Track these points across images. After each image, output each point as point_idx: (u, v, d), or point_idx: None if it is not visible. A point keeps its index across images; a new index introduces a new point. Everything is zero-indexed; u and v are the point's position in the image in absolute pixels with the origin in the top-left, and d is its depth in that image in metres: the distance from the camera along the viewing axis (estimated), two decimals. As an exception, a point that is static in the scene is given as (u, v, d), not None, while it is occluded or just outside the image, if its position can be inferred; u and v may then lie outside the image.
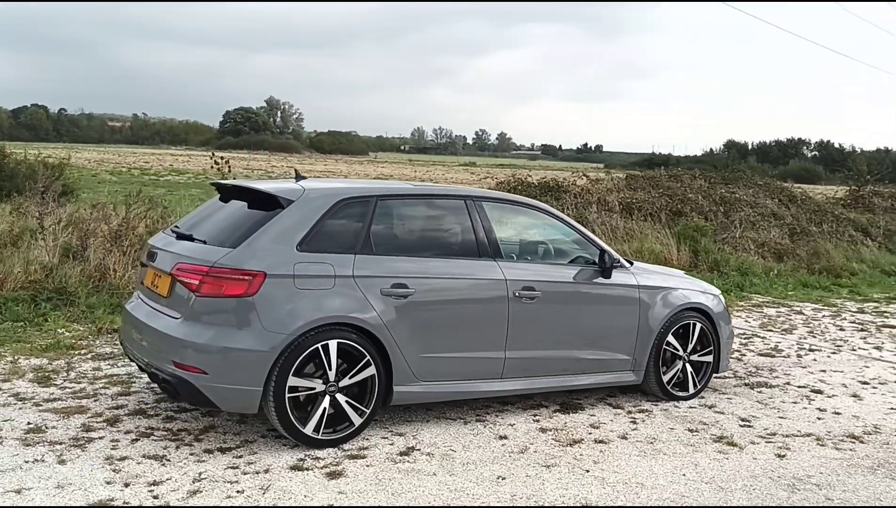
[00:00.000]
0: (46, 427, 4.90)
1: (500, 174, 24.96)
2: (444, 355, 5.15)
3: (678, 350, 6.14)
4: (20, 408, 5.24)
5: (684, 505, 4.22)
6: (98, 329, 7.38)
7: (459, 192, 5.89)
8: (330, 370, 4.73)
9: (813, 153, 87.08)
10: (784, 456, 5.06)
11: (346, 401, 4.81)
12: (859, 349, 8.61)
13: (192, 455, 4.61)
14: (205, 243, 4.87)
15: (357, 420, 4.84)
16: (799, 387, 6.82)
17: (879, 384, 7.08)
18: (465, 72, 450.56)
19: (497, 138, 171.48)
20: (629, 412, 5.82)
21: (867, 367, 7.73)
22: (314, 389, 4.72)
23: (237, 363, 4.56)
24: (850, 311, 11.09)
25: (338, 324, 4.75)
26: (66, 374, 6.08)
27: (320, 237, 4.87)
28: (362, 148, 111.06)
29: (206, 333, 4.58)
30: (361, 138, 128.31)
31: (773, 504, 4.32)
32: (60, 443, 4.67)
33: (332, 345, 4.72)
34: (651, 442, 5.19)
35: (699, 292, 6.35)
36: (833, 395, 6.61)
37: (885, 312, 11.16)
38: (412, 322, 4.98)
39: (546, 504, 4.16)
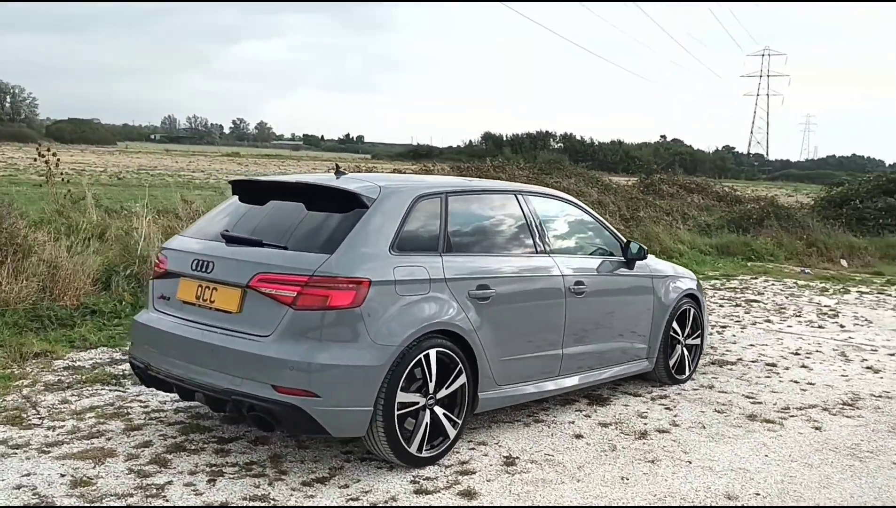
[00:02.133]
0: (90, 479, 4.08)
1: (272, 165, 24.30)
2: (518, 356, 4.96)
3: (678, 335, 6.40)
4: (29, 457, 4.32)
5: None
6: (20, 354, 6.24)
7: (508, 186, 5.70)
8: (430, 381, 4.39)
9: (559, 145, 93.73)
10: (820, 429, 5.45)
11: (444, 413, 4.49)
12: (758, 322, 9.48)
13: (293, 490, 4.07)
14: (285, 248, 4.28)
15: (452, 433, 4.54)
16: (752, 362, 7.38)
17: (808, 353, 7.84)
18: (220, 59, 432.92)
19: (256, 128, 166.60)
20: (653, 400, 5.97)
21: (780, 339, 8.53)
22: (417, 404, 4.35)
23: (350, 382, 4.08)
24: (708, 289, 12.16)
25: (436, 332, 4.41)
26: (35, 412, 5.08)
27: (406, 238, 4.48)
28: (108, 137, 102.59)
29: (312, 351, 4.04)
30: (106, 126, 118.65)
31: (857, 474, 4.64)
32: (128, 495, 3.92)
33: (432, 355, 4.38)
34: (704, 427, 5.37)
35: (688, 278, 6.65)
36: (787, 367, 7.23)
37: (737, 288, 12.37)
38: (493, 325, 4.74)
39: (690, 500, 4.16)
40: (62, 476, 4.11)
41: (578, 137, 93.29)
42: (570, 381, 5.44)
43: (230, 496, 3.96)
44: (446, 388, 4.48)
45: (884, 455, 4.97)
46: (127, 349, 6.63)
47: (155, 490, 3.98)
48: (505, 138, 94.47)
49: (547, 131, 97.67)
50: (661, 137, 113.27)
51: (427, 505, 3.96)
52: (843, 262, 16.14)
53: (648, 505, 4.07)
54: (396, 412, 4.22)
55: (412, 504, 3.96)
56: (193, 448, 4.58)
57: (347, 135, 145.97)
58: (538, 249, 5.26)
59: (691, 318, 6.53)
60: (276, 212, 4.70)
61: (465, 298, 4.59)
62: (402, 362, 4.22)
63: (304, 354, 4.02)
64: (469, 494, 4.09)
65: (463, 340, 4.55)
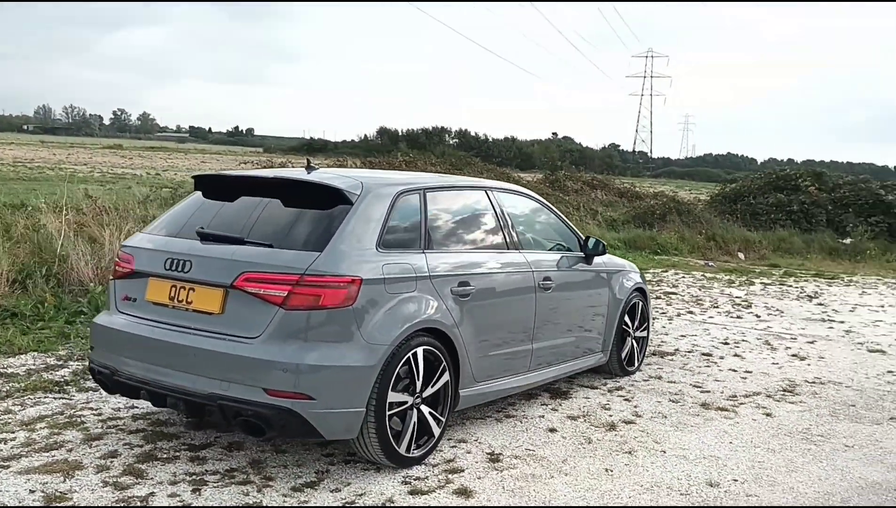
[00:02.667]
0: (64, 494, 3.82)
1: (158, 158, 23.54)
2: (495, 353, 4.97)
3: (629, 328, 6.56)
4: (-9, 474, 4.00)
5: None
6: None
7: (478, 183, 5.69)
8: (418, 380, 4.34)
9: (454, 140, 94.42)
10: (770, 415, 5.71)
11: (430, 412, 4.45)
12: (682, 314, 9.84)
13: (284, 496, 3.94)
14: (270, 246, 4.13)
15: (437, 432, 4.50)
16: (689, 352, 7.66)
17: (736, 343, 8.20)
18: (100, 46, 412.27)
19: (139, 119, 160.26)
20: (610, 392, 6.10)
21: (707, 330, 8.89)
22: (406, 403, 4.29)
23: (344, 383, 3.98)
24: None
25: (422, 330, 4.36)
26: (-23, 423, 4.72)
27: (391, 235, 4.40)
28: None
29: (304, 352, 3.91)
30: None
31: (817, 457, 4.89)
32: (112, 509, 3.69)
33: (420, 353, 4.33)
34: (665, 416, 5.53)
35: (635, 272, 6.83)
36: (722, 357, 7.54)
37: (651, 281, 12.80)
38: (473, 322, 4.73)
39: (676, 488, 4.28)
40: (31, 492, 3.83)
41: (473, 134, 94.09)
42: (539, 375, 5.49)
43: (220, 505, 3.79)
44: (432, 386, 4.44)
45: (835, 439, 5.25)
46: (62, 353, 6.28)
47: (139, 503, 3.77)
48: (401, 133, 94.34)
49: (442, 127, 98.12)
50: (553, 134, 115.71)
51: (426, 506, 3.91)
52: (741, 255, 16.97)
53: (637, 506, 4.15)
54: (388, 413, 4.15)
55: (411, 505, 3.91)
56: (165, 456, 4.37)
57: (237, 128, 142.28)
58: (508, 244, 5.28)
59: (640, 311, 6.71)
60: (250, 209, 4.52)
61: (447, 295, 4.55)
62: (392, 361, 4.15)
63: (296, 355, 3.89)
64: (465, 493, 4.07)
65: (447, 337, 4.52)
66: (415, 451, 4.35)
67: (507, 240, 5.28)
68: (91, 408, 5.12)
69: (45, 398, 5.29)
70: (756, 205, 19.20)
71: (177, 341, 4.12)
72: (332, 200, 4.32)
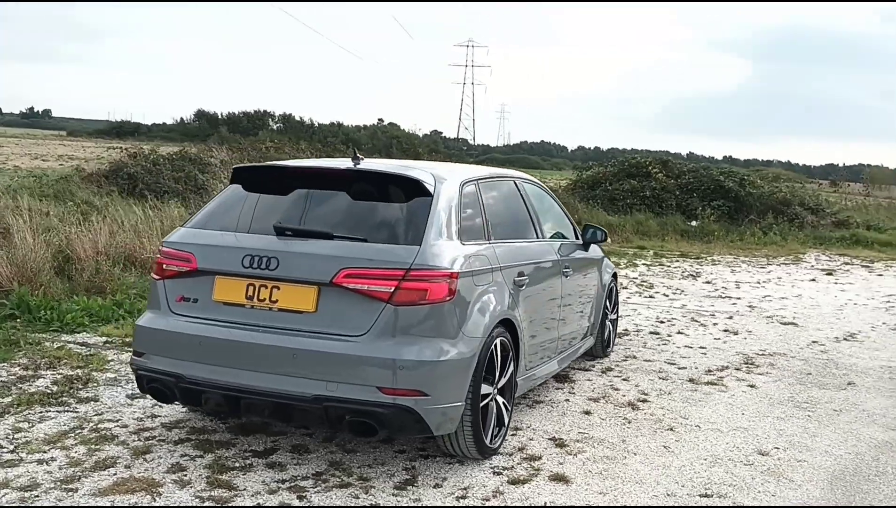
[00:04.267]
0: (168, 512, 3.54)
1: None
2: (538, 340, 5.07)
3: (608, 312, 6.87)
4: (59, 500, 3.63)
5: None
6: None
7: (507, 173, 5.69)
8: (496, 370, 4.37)
9: (278, 125, 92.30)
10: (754, 387, 6.20)
11: (503, 402, 4.49)
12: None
13: (394, 496, 3.86)
14: (364, 240, 3.99)
15: (506, 420, 4.55)
16: (637, 332, 8.11)
17: (670, 321, 8.76)
18: None
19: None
20: (603, 373, 6.38)
21: (635, 309, 9.43)
22: (489, 395, 4.31)
23: (452, 377, 3.94)
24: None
25: (500, 321, 4.39)
26: (25, 437, 4.24)
27: (464, 227, 4.38)
28: None
29: (417, 348, 3.83)
30: None
31: (822, 422, 5.40)
32: (233, 525, 3.47)
33: (498, 344, 4.36)
34: (668, 393, 5.87)
35: (607, 258, 7.14)
36: (669, 335, 8.03)
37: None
38: (526, 311, 4.81)
39: (734, 459, 4.59)
40: (126, 514, 3.51)
41: (298, 118, 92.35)
42: (563, 360, 5.67)
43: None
44: (504, 377, 4.48)
45: (820, 405, 5.80)
46: (24, 362, 5.71)
47: (255, 516, 3.56)
48: (221, 117, 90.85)
49: (265, 111, 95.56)
50: (379, 120, 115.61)
51: (537, 495, 3.97)
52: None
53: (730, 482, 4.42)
54: (480, 405, 4.16)
55: (525, 494, 3.95)
56: (238, 465, 4.12)
57: (31, 109, 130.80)
58: (537, 233, 5.39)
59: (615, 295, 7.04)
60: (313, 202, 4.35)
61: (511, 285, 4.60)
62: (482, 353, 4.16)
63: (409, 351, 3.81)
64: (561, 479, 4.15)
65: (513, 327, 4.57)
66: (495, 441, 4.38)
67: (537, 229, 5.39)
68: (110, 419, 4.71)
69: (47, 412, 4.79)
70: (613, 191, 20.35)
71: (266, 342, 3.91)
72: (411, 191, 4.23)
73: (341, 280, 3.86)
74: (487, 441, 4.27)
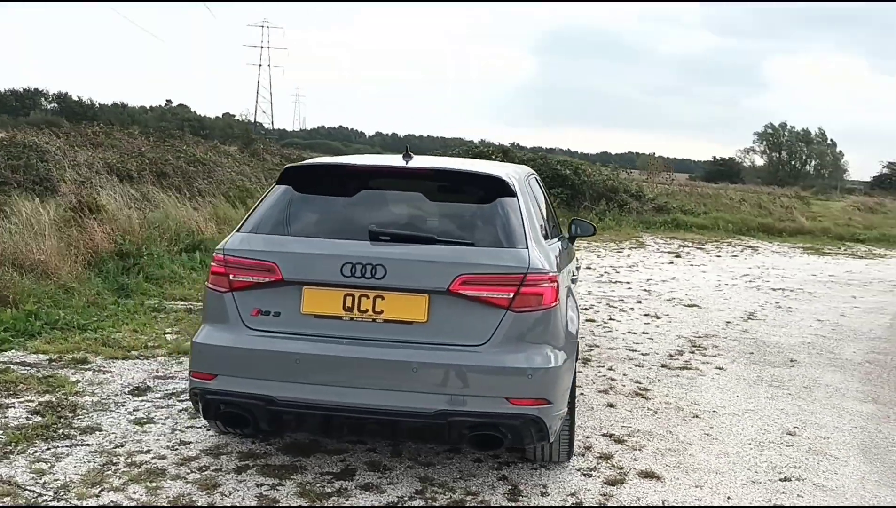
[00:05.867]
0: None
1: None
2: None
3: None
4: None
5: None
6: None
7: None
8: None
9: (52, 105, 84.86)
10: (722, 369, 6.58)
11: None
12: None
13: (511, 502, 3.73)
14: (472, 244, 3.78)
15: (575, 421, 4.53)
16: (587, 320, 8.32)
17: (594, 309, 9.10)
18: None
19: None
20: (585, 362, 6.51)
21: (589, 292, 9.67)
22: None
23: (564, 382, 3.85)
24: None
25: None
26: (21, 489, 3.61)
27: (538, 227, 4.28)
28: None
29: (538, 355, 3.69)
30: None
31: (806, 399, 5.86)
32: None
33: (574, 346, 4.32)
34: (659, 380, 6.10)
35: None
36: (605, 321, 8.35)
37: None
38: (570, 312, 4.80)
39: (773, 440, 4.87)
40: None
41: (76, 98, 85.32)
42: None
43: (484, 530, 3.48)
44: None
45: (787, 383, 6.27)
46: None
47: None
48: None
49: (36, 89, 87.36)
50: (167, 101, 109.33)
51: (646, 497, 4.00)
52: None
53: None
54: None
55: (634, 495, 3.96)
56: (331, 490, 3.81)
57: None
58: (559, 229, 5.38)
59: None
60: (386, 203, 4.09)
61: (568, 284, 4.57)
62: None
63: (533, 359, 3.67)
64: (650, 475, 4.20)
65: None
66: (574, 444, 4.35)
67: (548, 227, 5.37)
68: (138, 451, 4.17)
69: (56, 448, 4.15)
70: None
71: (377, 356, 3.61)
72: (495, 190, 4.06)
73: (458, 288, 3.64)
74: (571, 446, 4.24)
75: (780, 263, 15.07)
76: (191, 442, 4.31)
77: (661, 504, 3.87)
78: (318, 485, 3.84)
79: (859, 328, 8.75)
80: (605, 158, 77.52)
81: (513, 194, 4.06)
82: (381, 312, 3.66)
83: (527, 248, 3.82)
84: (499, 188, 4.06)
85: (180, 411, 4.79)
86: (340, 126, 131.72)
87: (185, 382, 5.33)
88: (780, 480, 4.24)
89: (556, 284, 3.82)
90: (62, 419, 4.53)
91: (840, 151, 77.92)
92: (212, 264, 3.92)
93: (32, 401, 4.80)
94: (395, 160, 4.30)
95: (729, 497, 3.99)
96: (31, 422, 4.46)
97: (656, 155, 52.81)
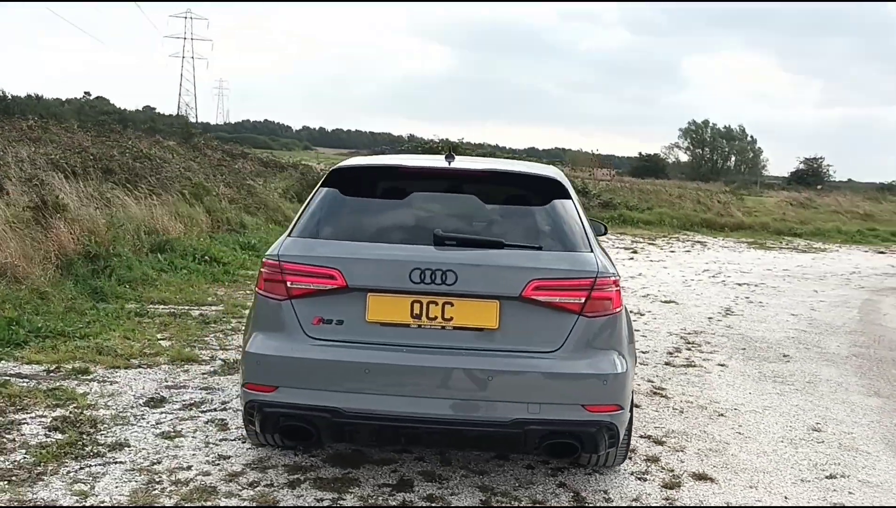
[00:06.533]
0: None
1: None
2: None
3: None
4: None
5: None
6: None
7: None
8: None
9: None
10: (724, 366, 6.66)
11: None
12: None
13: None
14: (539, 248, 3.69)
15: (616, 424, 4.50)
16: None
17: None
18: None
19: None
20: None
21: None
22: (622, 400, 4.23)
23: (630, 388, 3.80)
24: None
25: None
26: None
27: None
28: None
29: (610, 360, 3.63)
30: None
31: (811, 392, 5.98)
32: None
33: None
34: (669, 379, 6.14)
35: None
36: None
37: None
38: None
39: (801, 437, 4.94)
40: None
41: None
42: None
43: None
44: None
45: (790, 378, 6.39)
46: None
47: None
48: None
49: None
50: (86, 93, 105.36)
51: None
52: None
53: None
54: None
55: (698, 495, 3.95)
56: (396, 503, 3.67)
57: None
58: None
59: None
60: (449, 206, 3.97)
61: None
62: None
63: (605, 365, 3.61)
64: (702, 477, 4.20)
65: None
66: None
67: None
68: (178, 467, 3.96)
69: (90, 467, 3.90)
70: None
71: (450, 365, 3.50)
72: (551, 192, 3.98)
73: (531, 293, 3.55)
74: None
75: (733, 258, 15.44)
76: (230, 456, 4.10)
77: (724, 506, 3.87)
78: (380, 498, 3.70)
79: (832, 321, 9.01)
80: (533, 154, 78.15)
81: (568, 195, 4.00)
82: (451, 319, 3.54)
83: (592, 251, 3.76)
84: (555, 190, 3.99)
85: (206, 423, 4.57)
86: (266, 120, 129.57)
87: (199, 392, 5.10)
88: (827, 478, 4.30)
89: (619, 288, 3.77)
90: (85, 435, 4.26)
91: (759, 148, 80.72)
92: (262, 270, 3.73)
93: (45, 416, 4.51)
94: (441, 162, 4.17)
95: (786, 497, 4.01)
96: (52, 440, 4.18)
97: (583, 151, 53.65)
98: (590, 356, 3.59)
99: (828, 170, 60.70)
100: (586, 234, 3.84)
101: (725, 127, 78.06)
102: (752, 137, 79.97)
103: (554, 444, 3.56)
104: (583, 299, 3.60)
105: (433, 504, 3.67)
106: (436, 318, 3.54)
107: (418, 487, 3.85)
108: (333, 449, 4.20)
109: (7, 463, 3.87)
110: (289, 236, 3.80)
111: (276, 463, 4.03)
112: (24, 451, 4.01)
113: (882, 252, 18.67)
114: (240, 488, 3.74)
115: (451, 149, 4.38)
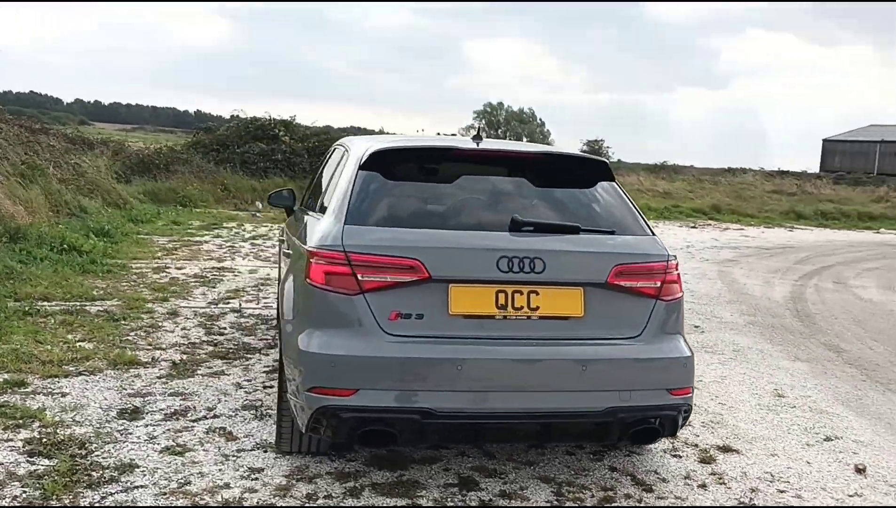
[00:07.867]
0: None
1: None
2: None
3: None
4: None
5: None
6: None
7: None
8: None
9: None
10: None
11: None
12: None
13: (659, 497, 3.69)
14: (612, 232, 3.61)
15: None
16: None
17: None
18: None
19: None
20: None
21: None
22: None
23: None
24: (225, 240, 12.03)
25: None
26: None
27: None
28: None
29: (682, 344, 3.65)
30: None
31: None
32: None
33: None
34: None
35: None
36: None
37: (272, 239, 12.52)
38: None
39: (809, 425, 5.26)
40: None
41: None
42: None
43: (663, 525, 3.39)
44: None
45: (719, 348, 6.79)
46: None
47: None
48: None
49: None
50: None
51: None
52: (258, 204, 17.36)
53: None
54: None
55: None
56: (477, 503, 3.48)
57: None
58: None
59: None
60: (501, 189, 3.79)
61: None
62: None
63: (683, 348, 3.63)
64: (727, 449, 4.35)
65: None
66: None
67: None
68: (214, 487, 3.51)
69: (113, 493, 3.36)
70: (244, 154, 19.54)
71: (543, 356, 3.37)
72: (598, 174, 3.93)
73: (614, 279, 3.48)
74: None
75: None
76: (262, 468, 3.69)
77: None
78: (456, 498, 3.49)
79: (708, 292, 9.68)
80: (332, 133, 77.21)
81: (614, 177, 3.96)
82: (537, 308, 3.39)
83: (652, 234, 3.76)
84: (602, 172, 3.93)
85: (206, 433, 4.09)
86: (32, 92, 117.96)
87: (173, 399, 4.57)
88: (825, 440, 4.60)
89: (679, 271, 3.79)
90: (80, 459, 3.66)
91: (548, 130, 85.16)
92: (318, 262, 3.36)
93: (12, 440, 3.82)
94: (470, 143, 3.96)
95: (808, 462, 4.24)
96: (41, 466, 3.55)
97: (384, 131, 53.93)
98: (666, 341, 3.59)
99: (607, 152, 65.25)
100: (643, 216, 3.84)
101: (519, 109, 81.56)
102: (540, 119, 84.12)
103: (642, 430, 3.52)
104: (659, 284, 3.58)
105: (513, 504, 3.51)
106: (521, 308, 3.37)
107: (484, 485, 3.66)
108: (369, 452, 3.90)
109: (8, 500, 3.22)
110: (344, 223, 3.43)
111: (319, 472, 3.68)
112: (18, 484, 3.37)
113: (694, 227, 20.34)
114: (300, 503, 3.37)
115: (478, 131, 4.16)
